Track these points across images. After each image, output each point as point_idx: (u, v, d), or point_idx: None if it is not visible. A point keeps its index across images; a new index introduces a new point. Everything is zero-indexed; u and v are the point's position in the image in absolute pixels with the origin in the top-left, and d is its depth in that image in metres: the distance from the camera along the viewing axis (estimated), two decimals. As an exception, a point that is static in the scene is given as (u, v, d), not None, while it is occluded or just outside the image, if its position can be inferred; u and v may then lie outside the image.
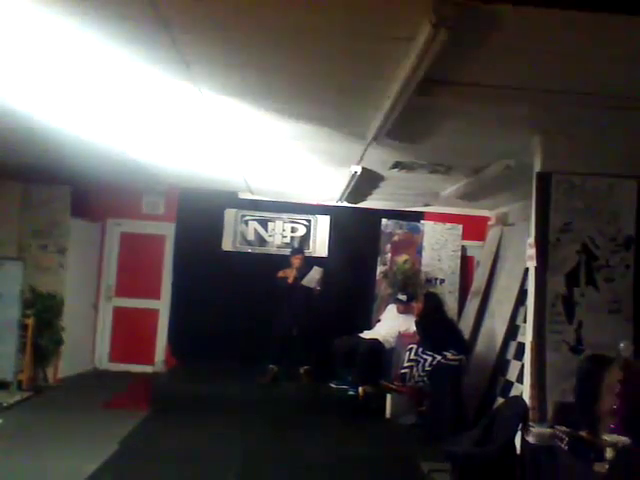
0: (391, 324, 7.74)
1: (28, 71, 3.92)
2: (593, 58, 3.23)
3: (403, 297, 7.85)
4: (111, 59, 3.59)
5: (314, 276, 7.66)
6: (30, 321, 7.33)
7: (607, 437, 3.52)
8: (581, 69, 3.41)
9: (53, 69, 3.85)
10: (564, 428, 3.94)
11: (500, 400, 6.38)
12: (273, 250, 9.02)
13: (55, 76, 3.98)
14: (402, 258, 8.81)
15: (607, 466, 3.39)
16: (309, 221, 9.11)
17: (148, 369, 8.68)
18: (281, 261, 8.27)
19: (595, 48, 3.10)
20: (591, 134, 4.59)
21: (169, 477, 4.91)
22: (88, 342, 8.83)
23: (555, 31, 2.91)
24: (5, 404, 6.58)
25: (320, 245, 9.07)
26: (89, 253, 8.80)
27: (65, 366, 8.04)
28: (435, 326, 6.58)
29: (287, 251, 8.57)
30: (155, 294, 9.02)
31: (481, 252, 8.78)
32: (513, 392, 6.25)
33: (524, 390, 4.77)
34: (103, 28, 3.14)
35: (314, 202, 9.01)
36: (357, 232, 8.94)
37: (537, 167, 4.76)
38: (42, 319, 7.50)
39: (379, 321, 8.11)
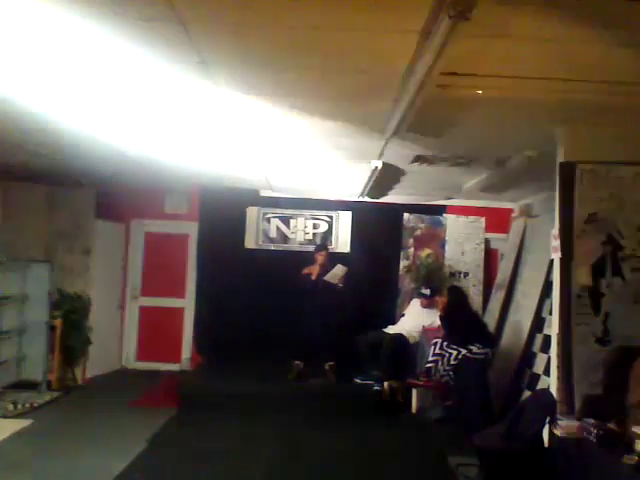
0: (415, 319, 7.73)
1: (50, 74, 3.97)
2: (614, 45, 3.18)
3: (427, 291, 7.83)
4: (131, 60, 3.62)
5: (337, 273, 7.64)
6: (58, 322, 7.45)
7: (636, 429, 3.48)
8: (603, 56, 3.36)
9: (75, 72, 3.89)
10: (592, 420, 3.91)
11: (527, 393, 6.33)
12: (296, 247, 9.05)
13: (78, 78, 4.03)
14: (425, 252, 8.80)
15: (637, 458, 3.35)
16: (331, 217, 9.12)
17: (175, 367, 8.78)
18: (304, 258, 8.28)
19: (617, 35, 3.06)
20: (614, 122, 4.52)
21: (197, 474, 4.94)
22: (115, 342, 8.93)
23: (575, 18, 2.88)
24: (35, 404, 6.69)
25: (342, 241, 9.08)
26: (114, 254, 8.89)
27: (93, 366, 8.16)
28: (460, 320, 6.54)
29: (310, 248, 8.58)
30: (180, 293, 9.10)
31: (505, 244, 8.71)
32: (540, 385, 6.20)
33: (551, 383, 4.74)
34: (123, 30, 3.16)
35: (335, 198, 9.01)
36: (379, 227, 8.94)
37: (560, 157, 4.71)
38: (70, 320, 7.61)
39: (403, 316, 8.10)
